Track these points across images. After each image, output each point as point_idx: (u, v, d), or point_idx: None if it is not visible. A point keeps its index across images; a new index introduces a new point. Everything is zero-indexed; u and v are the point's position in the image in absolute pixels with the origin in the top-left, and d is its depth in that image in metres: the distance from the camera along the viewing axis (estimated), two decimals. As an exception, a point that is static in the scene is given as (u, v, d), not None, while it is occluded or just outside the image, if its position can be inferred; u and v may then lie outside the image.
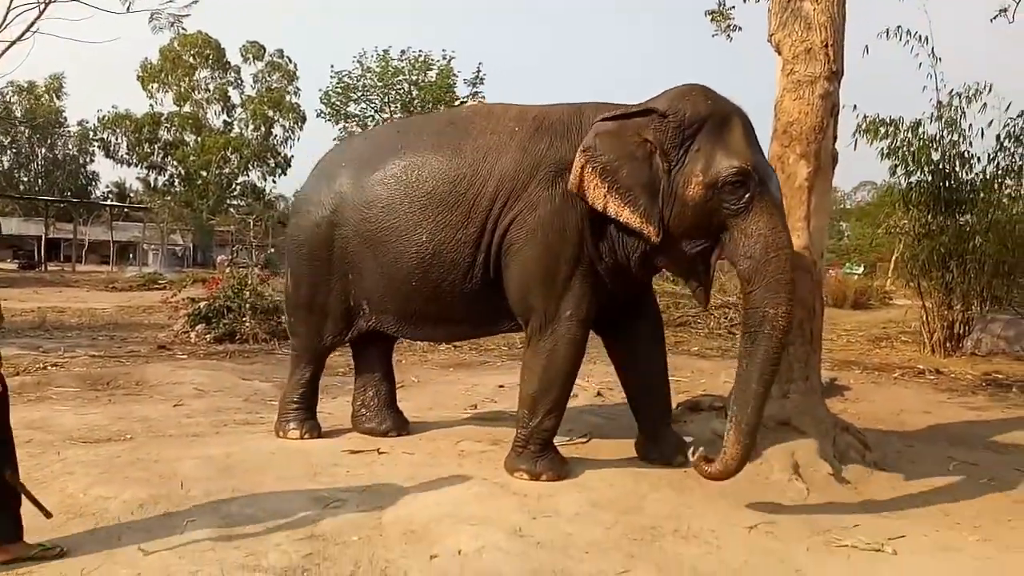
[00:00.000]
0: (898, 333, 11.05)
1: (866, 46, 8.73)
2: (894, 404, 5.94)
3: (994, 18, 7.30)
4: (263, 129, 35.53)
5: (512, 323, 3.66)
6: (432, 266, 3.49)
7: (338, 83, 27.27)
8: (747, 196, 3.05)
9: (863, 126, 9.29)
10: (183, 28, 8.01)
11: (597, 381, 6.30)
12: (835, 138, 4.27)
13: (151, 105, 35.74)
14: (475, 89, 26.65)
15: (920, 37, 9.07)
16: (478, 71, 26.68)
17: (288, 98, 35.58)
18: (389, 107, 27.48)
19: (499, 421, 4.59)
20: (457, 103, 26.80)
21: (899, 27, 8.98)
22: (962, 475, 4.00)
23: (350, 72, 27.08)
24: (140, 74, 35.43)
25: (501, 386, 6.05)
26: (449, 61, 26.58)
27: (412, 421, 4.56)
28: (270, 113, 35.29)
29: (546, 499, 3.20)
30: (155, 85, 35.40)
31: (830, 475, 3.75)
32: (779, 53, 4.24)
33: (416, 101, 26.76)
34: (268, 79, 36.00)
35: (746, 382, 3.09)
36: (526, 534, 2.84)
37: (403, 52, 26.79)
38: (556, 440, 3.66)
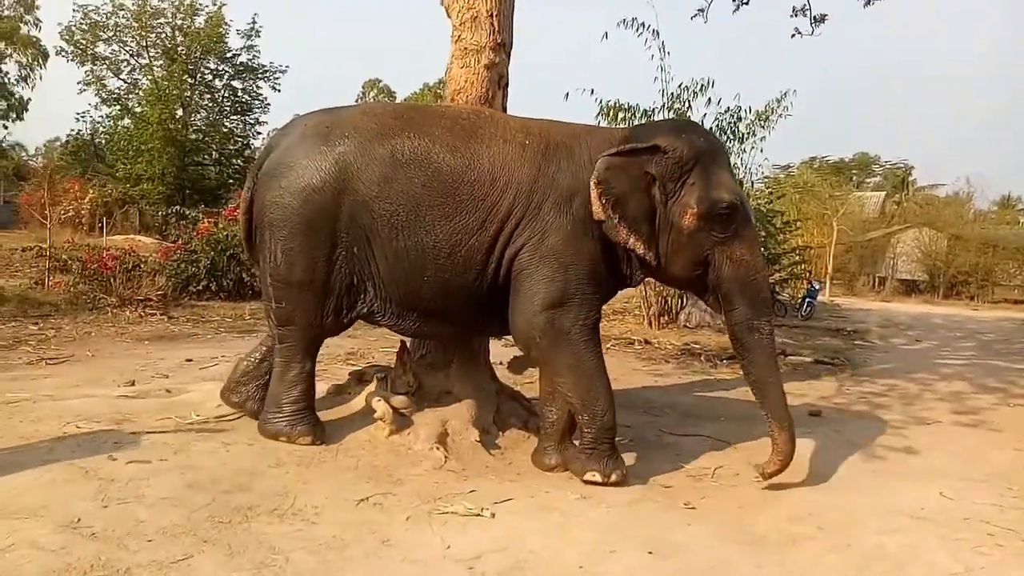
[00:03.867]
0: (634, 308, 11.99)
1: (605, 32, 9.27)
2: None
3: (693, 17, 7.94)
4: (-9, 64, 30.03)
5: (499, 329, 3.71)
6: (446, 265, 3.45)
7: (84, 18, 23.89)
8: (733, 226, 3.44)
9: (604, 110, 9.85)
10: None
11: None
12: (504, 110, 4.30)
13: None
14: (250, 42, 24.71)
15: (653, 31, 9.79)
16: (253, 23, 24.74)
17: (25, 30, 30.39)
18: (148, 52, 24.63)
19: (141, 397, 4.13)
20: (229, 55, 24.74)
21: (634, 19, 9.61)
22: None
23: (98, 7, 23.83)
24: None
25: (189, 360, 5.55)
26: (220, 8, 24.31)
27: (40, 399, 3.95)
28: (0, 45, 29.90)
29: (135, 483, 2.86)
30: None
31: (477, 442, 3.80)
32: (449, 18, 4.18)
33: (181, 48, 24.23)
34: (-1, 5, 30.43)
35: (763, 384, 3.52)
36: (83, 525, 2.49)
37: (166, -8, 24.05)
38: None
